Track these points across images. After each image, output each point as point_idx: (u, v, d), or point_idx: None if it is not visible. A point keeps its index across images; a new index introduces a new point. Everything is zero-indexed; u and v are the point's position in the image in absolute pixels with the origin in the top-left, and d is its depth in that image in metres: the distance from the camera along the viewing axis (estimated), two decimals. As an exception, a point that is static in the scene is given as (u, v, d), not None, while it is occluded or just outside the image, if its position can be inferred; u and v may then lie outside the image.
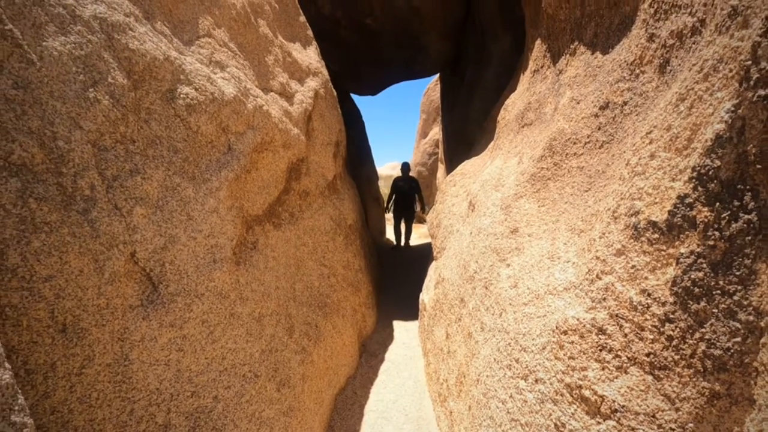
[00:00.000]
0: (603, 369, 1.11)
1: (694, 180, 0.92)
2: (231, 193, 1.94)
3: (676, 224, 0.96)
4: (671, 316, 0.95)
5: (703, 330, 0.89)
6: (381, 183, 10.87)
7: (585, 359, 1.17)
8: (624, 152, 1.33)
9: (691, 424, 0.91)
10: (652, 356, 0.99)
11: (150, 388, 1.39)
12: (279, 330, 2.18)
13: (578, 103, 1.73)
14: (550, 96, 2.10)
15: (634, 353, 1.03)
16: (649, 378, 0.99)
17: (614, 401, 1.05)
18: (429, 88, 14.41)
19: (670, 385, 0.95)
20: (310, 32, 3.69)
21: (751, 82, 0.80)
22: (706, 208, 0.90)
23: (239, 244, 2.00)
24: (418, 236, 9.42)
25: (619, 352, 1.07)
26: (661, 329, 0.97)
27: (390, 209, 8.12)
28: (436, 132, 13.30)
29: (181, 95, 1.72)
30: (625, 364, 1.05)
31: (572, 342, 1.22)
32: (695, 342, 0.91)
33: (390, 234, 9.77)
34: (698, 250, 0.91)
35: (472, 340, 1.99)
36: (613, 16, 1.62)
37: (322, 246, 3.10)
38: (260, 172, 2.28)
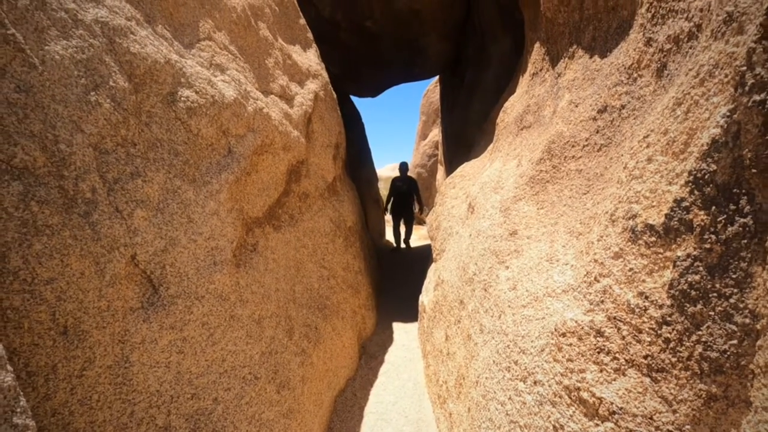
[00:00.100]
0: (601, 371, 1.11)
1: (690, 184, 0.93)
2: (231, 196, 1.94)
3: (673, 227, 0.96)
4: (668, 318, 0.96)
5: (700, 332, 0.90)
6: (381, 185, 10.87)
7: (583, 361, 1.17)
8: (622, 155, 1.34)
9: (688, 426, 0.92)
10: (649, 358, 1.00)
11: (150, 390, 1.39)
12: (279, 332, 2.19)
13: (577, 106, 1.74)
14: (549, 99, 2.11)
15: (631, 355, 1.04)
16: (647, 380, 1.00)
17: (612, 403, 1.06)
18: (428, 89, 14.44)
19: (667, 387, 0.96)
20: (310, 35, 3.70)
21: (746, 88, 0.81)
22: (702, 212, 0.90)
23: (239, 246, 2.01)
24: (418, 238, 9.42)
25: (616, 355, 1.08)
26: (659, 332, 0.98)
27: (389, 210, 8.06)
28: (435, 134, 13.33)
29: (182, 98, 1.73)
30: (622, 367, 1.06)
31: (570, 344, 1.23)
32: (692, 344, 0.91)
33: (390, 236, 9.77)
34: (695, 253, 0.91)
35: (472, 342, 2.00)
36: (611, 20, 1.63)
37: (321, 248, 3.10)
38: (260, 174, 2.29)
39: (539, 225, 1.75)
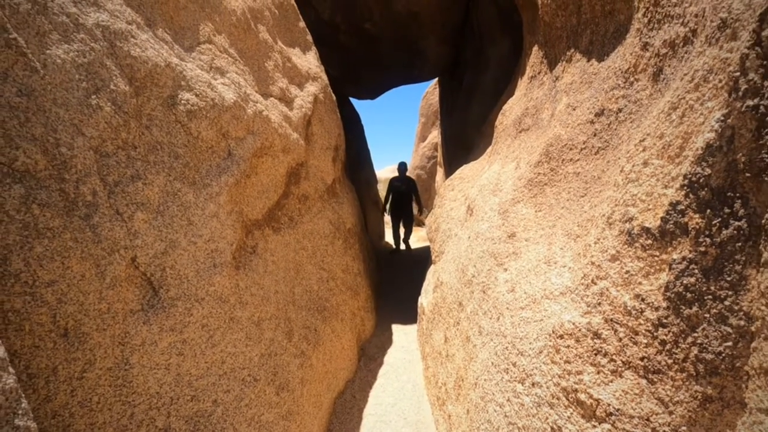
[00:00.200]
0: (598, 373, 1.12)
1: (685, 187, 0.94)
2: (231, 198, 1.95)
3: (669, 230, 0.97)
4: (664, 320, 0.97)
5: (696, 334, 0.91)
6: (380, 186, 10.87)
7: (581, 363, 1.18)
8: (619, 159, 1.35)
9: (684, 428, 0.93)
10: (646, 360, 1.01)
11: (150, 392, 1.40)
12: (278, 334, 2.19)
13: (574, 109, 1.75)
14: (547, 102, 2.13)
15: (628, 357, 1.05)
16: (643, 382, 1.01)
17: (609, 405, 1.07)
18: (428, 91, 14.47)
19: (663, 389, 0.97)
20: (309, 37, 3.72)
21: (740, 93, 0.82)
22: (697, 215, 0.92)
23: (239, 248, 2.02)
24: (417, 239, 9.43)
25: (613, 356, 1.09)
26: (655, 334, 0.99)
27: (387, 210, 7.98)
28: (434, 136, 13.35)
29: (182, 101, 1.74)
30: (619, 368, 1.07)
31: (568, 346, 1.24)
32: (688, 346, 0.92)
33: (389, 237, 9.78)
34: (690, 256, 0.93)
35: (470, 344, 2.01)
36: (608, 25, 1.65)
37: (321, 250, 3.11)
38: (260, 176, 2.29)
39: (537, 227, 1.76)
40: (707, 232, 0.90)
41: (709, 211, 0.89)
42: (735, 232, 0.85)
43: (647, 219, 1.04)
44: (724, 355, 0.87)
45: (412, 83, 8.28)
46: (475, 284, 2.11)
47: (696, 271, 0.91)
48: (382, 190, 11.03)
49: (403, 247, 8.14)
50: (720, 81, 0.88)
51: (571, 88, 1.86)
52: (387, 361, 3.56)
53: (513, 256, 1.83)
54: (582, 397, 1.15)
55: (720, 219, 0.87)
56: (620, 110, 1.44)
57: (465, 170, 3.59)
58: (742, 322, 0.85)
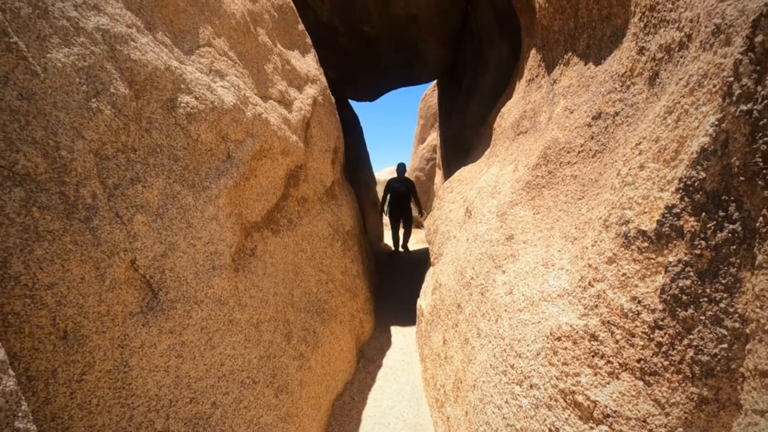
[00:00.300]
0: (595, 375, 1.13)
1: (681, 191, 0.95)
2: (230, 201, 1.96)
3: (665, 233, 0.98)
4: (660, 323, 0.98)
5: (691, 336, 0.92)
6: (379, 188, 10.88)
7: (578, 365, 1.19)
8: (615, 162, 1.36)
9: (680, 429, 0.93)
10: (642, 362, 1.01)
11: (149, 395, 1.40)
12: (277, 336, 2.20)
13: (572, 112, 1.76)
14: (545, 105, 2.14)
15: (625, 359, 1.06)
16: (640, 383, 1.02)
17: (606, 406, 1.07)
18: (426, 93, 14.49)
19: (660, 391, 0.97)
20: (308, 40, 3.73)
21: (734, 98, 0.83)
22: (692, 218, 0.92)
23: (238, 250, 2.02)
24: (416, 241, 9.44)
25: (610, 358, 1.10)
26: (651, 336, 1.00)
27: (386, 211, 7.90)
28: (433, 137, 13.37)
29: (182, 104, 1.75)
30: (616, 370, 1.08)
31: (566, 348, 1.25)
32: (684, 348, 0.93)
33: (388, 239, 9.78)
34: (686, 258, 0.93)
35: (469, 346, 2.01)
36: (605, 29, 1.66)
37: (320, 252, 3.12)
38: (259, 179, 2.30)
39: (535, 230, 1.77)
40: (702, 235, 0.90)
41: (704, 214, 0.90)
42: (730, 235, 0.86)
43: (643, 222, 1.05)
44: (719, 357, 0.88)
45: (411, 85, 8.30)
46: (474, 286, 2.12)
47: (691, 273, 0.92)
48: (380, 192, 11.03)
49: (401, 249, 8.13)
50: (714, 86, 0.89)
51: (569, 91, 1.87)
52: (386, 363, 3.57)
53: (511, 259, 1.84)
54: (579, 398, 1.16)
55: (715, 222, 0.88)
56: (617, 114, 1.45)
57: (463, 172, 3.60)
58: (737, 325, 0.86)
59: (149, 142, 1.59)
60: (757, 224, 0.81)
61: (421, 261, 6.85)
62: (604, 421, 1.08)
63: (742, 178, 0.84)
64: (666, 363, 0.96)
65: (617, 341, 1.08)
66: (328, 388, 2.75)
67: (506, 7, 4.37)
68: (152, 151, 1.60)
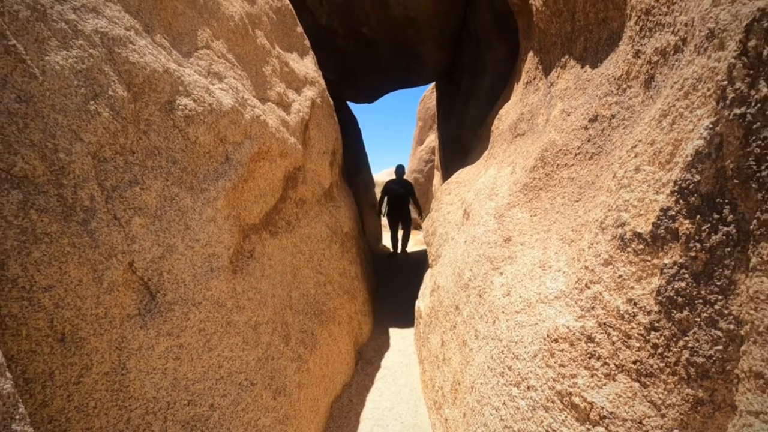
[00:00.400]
0: (592, 376, 1.13)
1: (676, 193, 0.96)
2: (228, 203, 1.96)
3: (660, 236, 0.99)
4: (656, 324, 0.98)
5: (687, 338, 0.93)
6: (377, 190, 10.88)
7: (575, 367, 1.19)
8: (612, 164, 1.37)
9: (676, 430, 0.94)
10: (638, 364, 1.02)
11: (147, 397, 1.40)
12: (275, 338, 2.20)
13: (569, 115, 1.77)
14: (542, 107, 2.15)
15: (621, 361, 1.06)
16: (636, 385, 1.02)
17: (603, 408, 1.08)
18: (425, 95, 14.51)
19: (656, 392, 0.98)
20: (307, 42, 3.74)
21: (728, 101, 0.84)
22: (687, 221, 0.93)
23: (236, 252, 2.02)
24: (415, 243, 9.44)
25: (607, 360, 1.10)
26: (647, 337, 1.00)
27: (384, 213, 7.81)
28: (432, 139, 13.39)
29: (180, 106, 1.75)
30: (612, 372, 1.08)
31: (562, 350, 1.25)
32: (679, 350, 0.94)
33: (386, 241, 9.77)
34: (681, 260, 0.94)
35: (467, 348, 2.02)
36: (602, 32, 1.67)
37: (318, 254, 3.12)
38: (257, 181, 2.30)
39: (533, 232, 1.78)
40: (697, 238, 0.91)
41: (698, 216, 0.91)
42: (724, 237, 0.87)
43: (639, 224, 1.05)
44: (714, 358, 0.89)
45: (409, 87, 8.31)
46: (472, 288, 2.12)
47: (686, 275, 0.93)
48: (379, 193, 11.03)
49: (400, 252, 8.11)
50: (708, 89, 0.89)
51: (566, 93, 1.88)
52: (384, 365, 3.57)
53: (509, 260, 1.85)
54: (576, 400, 1.16)
55: (709, 224, 0.89)
56: (613, 116, 1.46)
57: (462, 174, 3.61)
58: (731, 326, 0.86)
59: (147, 144, 1.59)
60: (751, 227, 0.82)
61: (419, 263, 6.86)
62: (601, 422, 1.08)
63: (736, 181, 0.84)
64: (662, 364, 0.97)
65: (613, 343, 1.09)
66: (327, 390, 2.75)
67: (504, 9, 4.39)
68: (150, 153, 1.60)
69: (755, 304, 0.80)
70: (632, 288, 1.05)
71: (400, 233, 7.80)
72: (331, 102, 4.09)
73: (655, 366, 0.98)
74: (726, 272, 0.87)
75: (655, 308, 0.99)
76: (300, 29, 3.64)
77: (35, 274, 1.15)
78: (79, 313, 1.24)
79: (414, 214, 10.23)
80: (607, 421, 1.06)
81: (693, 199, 0.92)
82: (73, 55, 1.34)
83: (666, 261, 0.97)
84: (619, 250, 1.11)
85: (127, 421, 1.33)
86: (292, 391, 2.21)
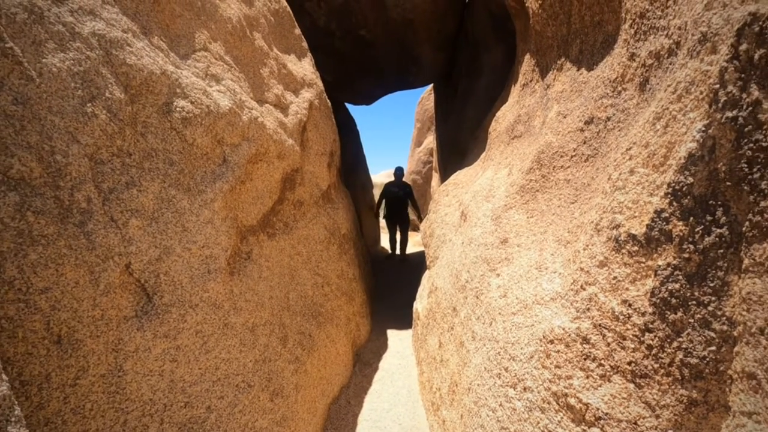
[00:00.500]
0: (587, 377, 1.14)
1: (669, 195, 0.97)
2: (226, 204, 1.96)
3: (654, 237, 1.00)
4: (651, 325, 0.99)
5: (681, 339, 0.93)
6: (375, 191, 10.88)
7: (570, 368, 1.20)
8: (607, 166, 1.38)
9: (670, 431, 0.94)
10: (633, 365, 1.03)
11: (143, 399, 1.40)
12: (273, 340, 2.20)
13: (565, 117, 1.78)
14: (539, 109, 2.16)
15: (616, 362, 1.07)
16: (631, 386, 1.03)
17: (598, 409, 1.08)
18: (423, 97, 14.53)
19: (650, 393, 0.98)
20: (305, 44, 3.75)
21: (720, 105, 0.85)
22: (681, 223, 0.94)
23: (233, 254, 2.02)
24: (413, 244, 9.44)
25: (602, 361, 1.11)
26: (642, 338, 1.01)
27: (381, 214, 7.81)
28: (430, 141, 13.40)
29: (177, 108, 1.75)
30: (608, 373, 1.09)
31: (558, 351, 1.26)
32: (673, 351, 0.94)
33: (385, 242, 9.77)
34: (674, 262, 0.95)
35: (464, 349, 2.02)
36: (597, 35, 1.68)
37: (316, 255, 3.12)
38: (255, 182, 2.31)
39: (529, 233, 1.79)
40: (690, 239, 0.92)
41: (692, 218, 0.92)
42: (717, 239, 0.88)
43: (633, 226, 1.06)
44: (708, 359, 0.89)
45: (407, 89, 8.31)
46: (469, 289, 2.13)
47: (680, 277, 0.94)
48: (377, 195, 11.03)
49: (398, 253, 8.10)
50: (701, 93, 0.90)
51: (562, 96, 1.89)
52: (382, 367, 3.56)
53: (505, 262, 1.85)
54: (572, 401, 1.16)
55: (702, 226, 0.90)
56: (609, 119, 1.47)
57: (459, 176, 3.61)
58: (725, 327, 0.87)
59: (144, 146, 1.59)
60: (744, 228, 0.83)
61: (417, 264, 6.86)
62: (596, 423, 1.08)
63: (728, 183, 0.85)
64: (656, 365, 0.97)
65: (608, 344, 1.09)
66: (324, 391, 2.75)
67: (502, 12, 4.41)
68: (147, 155, 1.60)
69: (748, 306, 0.81)
70: (627, 289, 1.06)
71: (398, 236, 7.80)
72: (329, 104, 4.09)
73: (650, 367, 0.99)
74: (719, 274, 0.88)
75: (650, 309, 0.99)
76: (298, 31, 3.65)
77: (32, 276, 1.15)
78: (76, 315, 1.24)
79: (412, 216, 10.23)
80: (602, 422, 1.07)
81: (686, 201, 0.93)
82: (70, 57, 1.34)
83: (660, 262, 0.98)
84: (614, 252, 1.12)
85: (123, 423, 1.33)
86: (289, 392, 2.21)
